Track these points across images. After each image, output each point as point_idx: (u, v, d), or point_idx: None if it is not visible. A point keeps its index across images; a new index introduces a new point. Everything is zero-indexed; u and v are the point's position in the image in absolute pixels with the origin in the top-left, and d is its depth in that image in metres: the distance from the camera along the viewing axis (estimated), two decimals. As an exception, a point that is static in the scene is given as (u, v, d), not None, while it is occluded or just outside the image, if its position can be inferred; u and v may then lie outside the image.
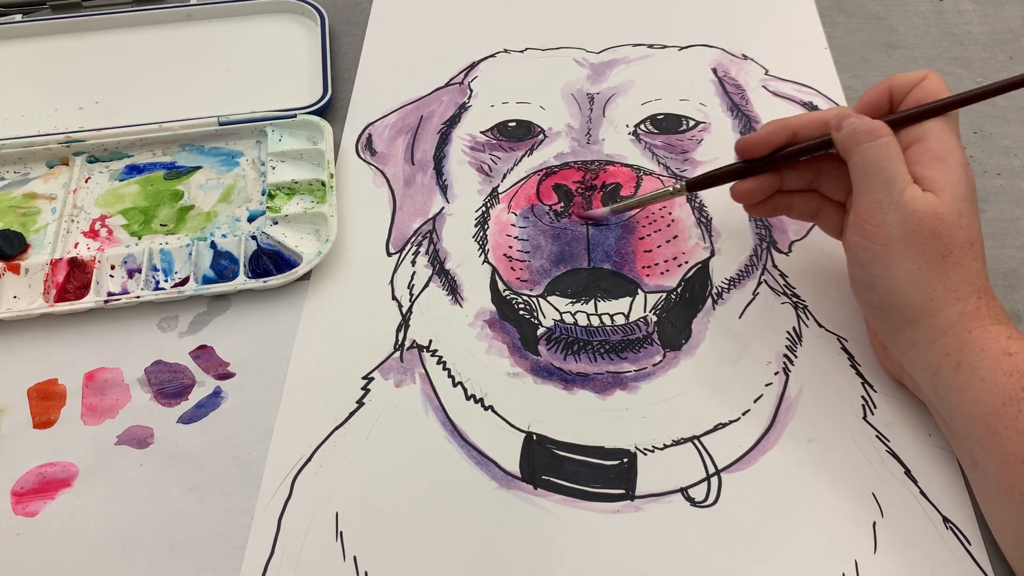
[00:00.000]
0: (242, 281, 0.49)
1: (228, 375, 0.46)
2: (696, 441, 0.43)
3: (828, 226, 0.45)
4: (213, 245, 0.51)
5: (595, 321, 0.47)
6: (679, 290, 0.48)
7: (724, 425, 0.43)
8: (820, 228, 0.46)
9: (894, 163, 0.39)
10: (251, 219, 0.53)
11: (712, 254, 0.50)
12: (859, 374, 0.45)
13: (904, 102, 0.41)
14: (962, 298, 0.38)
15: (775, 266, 0.49)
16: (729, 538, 0.40)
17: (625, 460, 0.42)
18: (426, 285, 0.49)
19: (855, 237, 0.40)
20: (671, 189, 0.47)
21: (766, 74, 0.59)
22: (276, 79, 0.60)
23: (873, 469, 0.41)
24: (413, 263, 0.51)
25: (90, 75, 0.62)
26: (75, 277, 0.50)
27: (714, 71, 0.59)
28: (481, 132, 0.56)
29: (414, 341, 0.47)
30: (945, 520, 0.40)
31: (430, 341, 0.47)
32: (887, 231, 0.38)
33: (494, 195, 0.53)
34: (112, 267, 0.50)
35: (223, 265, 0.51)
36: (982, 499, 0.39)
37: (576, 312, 0.47)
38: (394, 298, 0.49)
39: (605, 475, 0.42)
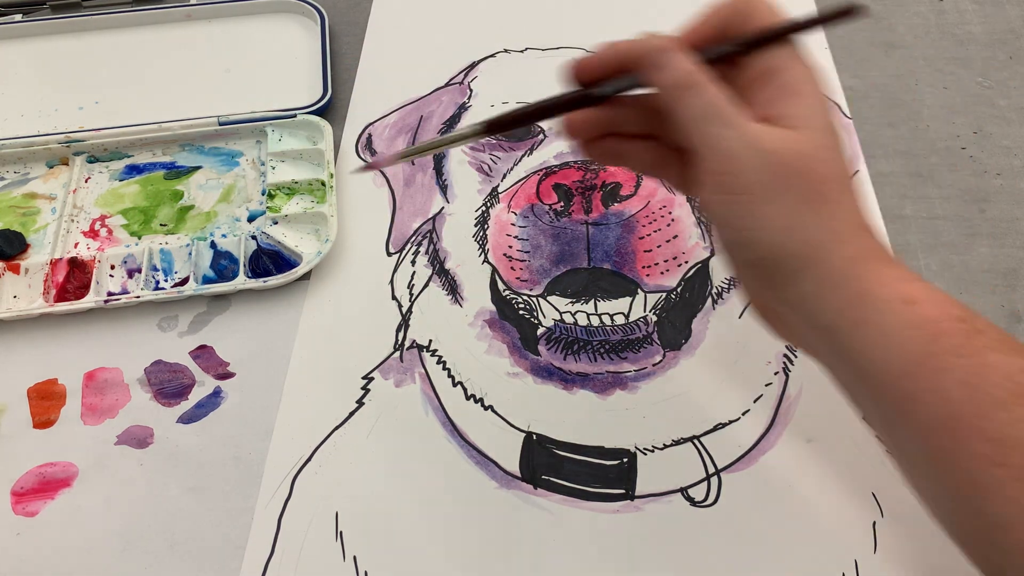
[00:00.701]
0: (242, 281, 0.49)
1: (228, 375, 0.46)
2: (696, 441, 0.43)
3: (674, 179, 0.39)
4: (213, 245, 0.51)
5: (595, 321, 0.47)
6: (679, 290, 0.48)
7: (724, 425, 0.43)
8: (665, 183, 0.41)
9: (723, 106, 0.33)
10: (251, 219, 0.53)
11: (712, 254, 0.49)
12: (859, 374, 0.45)
13: (730, 30, 0.35)
14: (845, 240, 0.33)
15: (775, 266, 0.49)
16: (729, 538, 0.40)
17: (625, 460, 0.42)
18: (426, 285, 0.49)
19: (713, 195, 0.34)
20: (470, 131, 0.37)
21: (766, 74, 0.59)
22: (276, 79, 0.60)
23: (873, 469, 0.41)
24: (413, 263, 0.51)
25: (90, 75, 0.62)
26: (75, 277, 0.50)
27: (714, 71, 0.59)
28: (481, 132, 0.56)
29: (414, 341, 0.47)
30: (945, 520, 0.40)
31: (430, 341, 0.47)
32: (745, 178, 0.33)
33: (494, 195, 0.53)
34: (112, 267, 0.50)
35: (223, 265, 0.51)
36: (904, 466, 0.34)
37: (576, 312, 0.47)
38: (394, 298, 0.49)
39: (605, 475, 0.42)
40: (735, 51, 0.35)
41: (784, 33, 0.34)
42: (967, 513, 0.31)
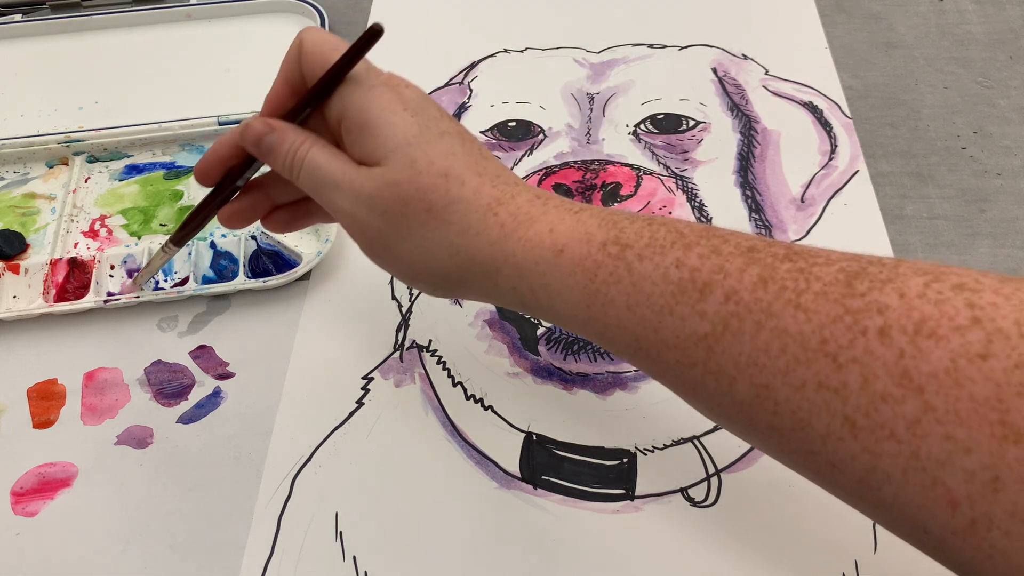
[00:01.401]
0: (242, 281, 0.49)
1: (228, 375, 0.46)
2: (696, 441, 0.43)
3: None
4: (213, 245, 0.51)
5: (595, 321, 0.47)
6: (679, 290, 0.48)
7: (724, 425, 0.43)
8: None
9: (325, 169, 0.33)
10: (251, 219, 0.53)
11: (712, 254, 0.49)
12: (859, 374, 0.45)
13: (305, 80, 0.35)
14: (476, 232, 0.32)
15: (775, 266, 0.49)
16: (729, 538, 0.40)
17: (625, 460, 0.42)
18: (426, 285, 0.49)
19: (361, 247, 0.36)
20: (163, 250, 0.41)
21: (766, 74, 0.59)
22: (276, 79, 0.60)
23: (873, 469, 0.41)
24: (413, 263, 0.51)
25: (90, 75, 0.62)
26: (75, 277, 0.50)
27: (714, 71, 0.59)
28: (481, 132, 0.56)
29: (414, 341, 0.47)
30: (945, 520, 0.40)
31: (430, 341, 0.47)
32: (370, 228, 0.33)
33: (494, 195, 0.53)
34: (112, 267, 0.50)
35: (223, 265, 0.51)
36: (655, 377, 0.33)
37: (576, 312, 0.47)
38: (394, 298, 0.49)
39: (605, 475, 0.42)
40: (308, 107, 0.35)
41: (335, 74, 0.33)
42: (704, 411, 0.31)
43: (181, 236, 0.40)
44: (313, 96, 0.34)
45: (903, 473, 0.24)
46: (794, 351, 0.26)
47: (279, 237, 0.50)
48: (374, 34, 0.33)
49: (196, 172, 0.37)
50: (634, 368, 0.45)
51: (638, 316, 0.29)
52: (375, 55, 0.34)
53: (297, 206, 0.39)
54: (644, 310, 0.29)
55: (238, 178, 0.37)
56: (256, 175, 0.38)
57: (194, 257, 0.50)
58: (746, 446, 0.42)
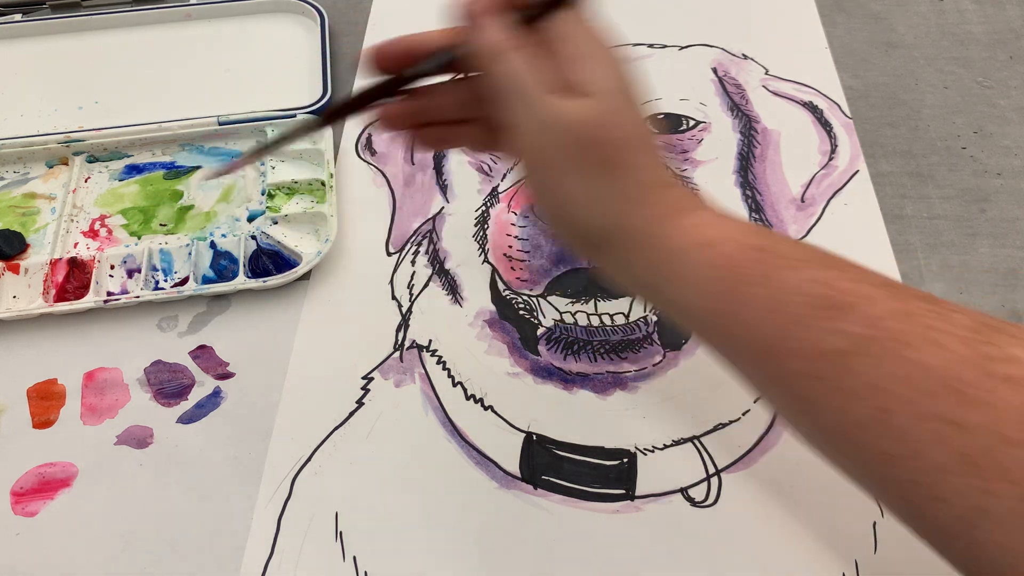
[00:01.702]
0: (242, 281, 0.49)
1: (228, 375, 0.46)
2: (696, 441, 0.43)
3: (510, 152, 0.38)
4: (213, 245, 0.51)
5: (595, 321, 0.47)
6: (679, 290, 0.48)
7: (724, 425, 0.43)
8: (505, 156, 0.40)
9: (524, 78, 0.32)
10: (251, 219, 0.53)
11: (712, 254, 0.49)
12: (859, 374, 0.45)
13: None
14: (641, 202, 0.32)
15: (775, 266, 0.49)
16: (729, 538, 0.40)
17: (625, 460, 0.42)
18: (426, 285, 0.49)
19: (523, 171, 0.34)
20: (307, 123, 0.38)
21: (766, 74, 0.59)
22: (276, 79, 0.60)
23: (873, 469, 0.41)
24: (413, 263, 0.51)
25: (90, 75, 0.62)
26: (75, 277, 0.50)
27: (714, 71, 0.59)
28: (481, 132, 0.56)
29: (414, 341, 0.47)
30: (945, 520, 0.40)
31: (430, 341, 0.47)
32: (546, 154, 0.32)
33: (494, 195, 0.53)
34: (112, 267, 0.50)
35: (223, 265, 0.51)
36: (769, 403, 0.34)
37: (576, 312, 0.47)
38: (394, 298, 0.49)
39: (605, 475, 0.42)
40: (529, 15, 0.33)
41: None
42: (806, 428, 0.32)
43: (331, 114, 0.38)
44: (536, 7, 0.33)
45: (1008, 514, 0.25)
46: (925, 383, 0.27)
47: (279, 237, 0.50)
48: None
49: (376, 53, 0.36)
50: (634, 368, 0.45)
51: (772, 321, 0.30)
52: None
53: (453, 126, 0.38)
54: (780, 316, 0.30)
55: (413, 77, 0.36)
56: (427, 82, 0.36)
57: (194, 257, 0.50)
58: (746, 446, 0.42)
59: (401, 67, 0.36)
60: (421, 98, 0.37)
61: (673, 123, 0.56)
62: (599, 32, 0.34)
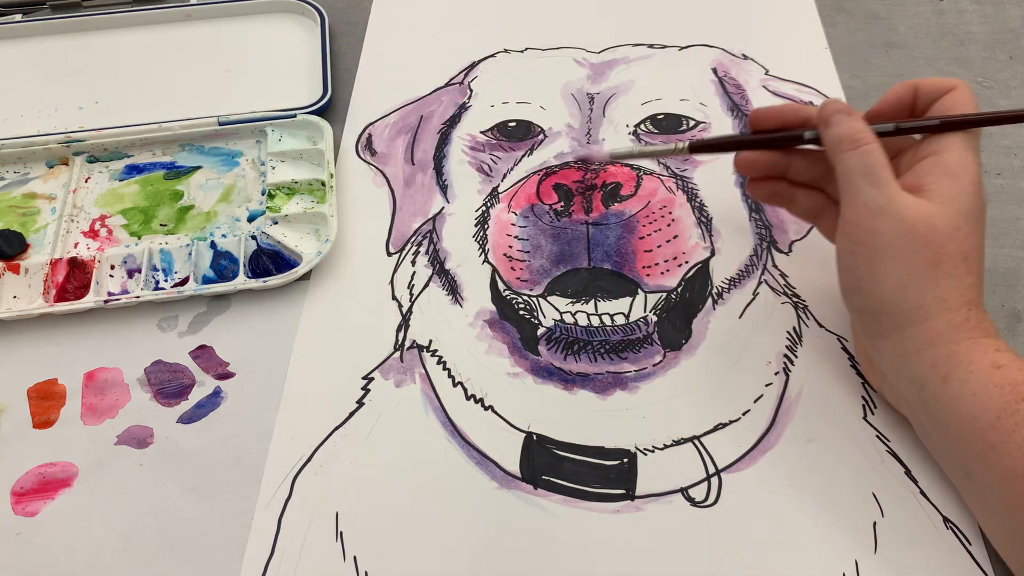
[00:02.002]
0: (242, 281, 0.49)
1: (228, 375, 0.46)
2: (696, 441, 0.43)
3: (827, 229, 0.44)
4: (213, 245, 0.51)
5: (595, 321, 0.47)
6: (679, 290, 0.48)
7: (724, 425, 0.43)
8: (819, 231, 0.45)
9: (878, 169, 0.38)
10: (251, 219, 0.53)
11: (712, 254, 0.50)
12: (859, 374, 0.45)
13: (930, 109, 0.40)
14: (951, 309, 0.37)
15: (775, 266, 0.49)
16: (729, 538, 0.40)
17: (625, 460, 0.42)
18: (426, 285, 0.49)
19: (844, 241, 0.39)
20: (674, 147, 0.44)
21: (766, 74, 0.59)
22: (276, 79, 0.60)
23: (873, 469, 0.41)
24: (413, 263, 0.51)
25: (90, 75, 0.62)
26: (75, 277, 0.50)
27: (714, 71, 0.59)
28: (481, 132, 0.56)
29: (414, 341, 0.47)
30: (945, 520, 0.40)
31: (430, 341, 0.47)
32: (876, 236, 0.37)
33: (494, 195, 0.53)
34: (112, 267, 0.50)
35: (223, 265, 0.51)
36: (980, 512, 0.38)
37: (576, 312, 0.47)
38: (394, 298, 0.49)
39: (605, 475, 0.42)
40: (925, 128, 0.40)
41: (978, 124, 0.39)
42: None
43: (698, 147, 0.44)
44: (945, 125, 0.39)
45: None
46: None
47: (279, 237, 0.50)
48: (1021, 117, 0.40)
49: (754, 112, 0.43)
50: (634, 368, 0.45)
51: None
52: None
53: (791, 187, 0.44)
54: None
55: (778, 141, 0.43)
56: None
57: (194, 257, 0.50)
58: (746, 446, 0.43)
59: (773, 128, 0.43)
60: (777, 155, 0.44)
61: (673, 123, 0.56)
62: (975, 162, 0.39)
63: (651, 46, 0.61)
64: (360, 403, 0.45)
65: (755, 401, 0.44)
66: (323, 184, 0.53)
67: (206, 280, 0.50)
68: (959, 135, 0.39)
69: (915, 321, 0.37)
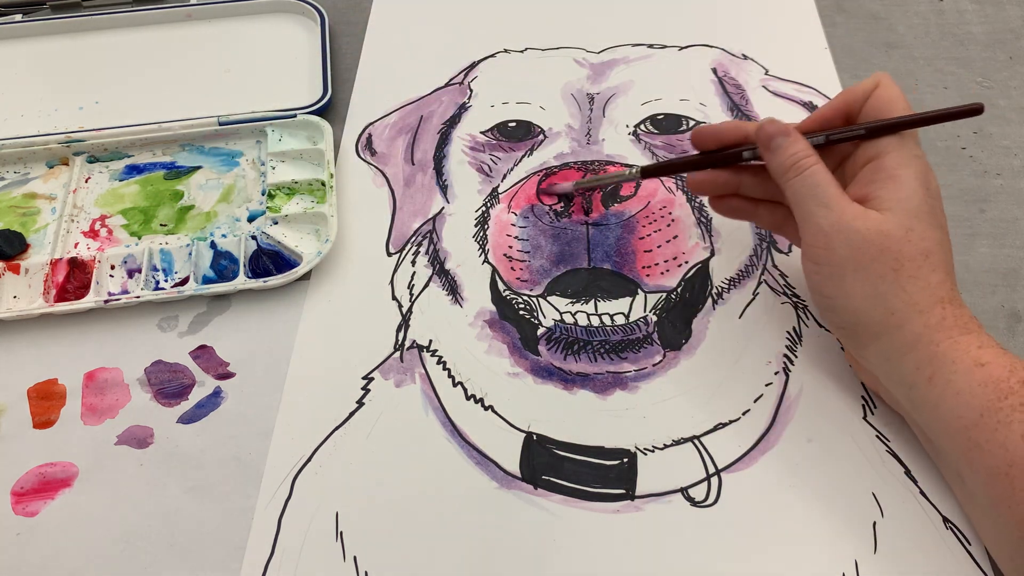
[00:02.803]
0: (242, 281, 0.49)
1: (228, 375, 0.46)
2: (696, 441, 0.43)
3: (793, 239, 0.45)
4: (213, 245, 0.51)
5: (595, 321, 0.47)
6: (679, 290, 0.48)
7: (724, 425, 0.43)
8: (788, 240, 0.45)
9: (823, 187, 0.38)
10: (251, 219, 0.53)
11: (712, 254, 0.50)
12: (859, 374, 0.45)
13: (861, 113, 0.41)
14: (924, 310, 0.37)
15: (775, 266, 0.49)
16: (729, 538, 0.40)
17: (625, 460, 0.42)
18: (426, 285, 0.49)
19: (807, 263, 0.40)
20: (626, 173, 0.47)
21: (766, 74, 0.59)
22: (276, 79, 0.60)
23: (873, 469, 0.41)
24: (413, 263, 0.51)
25: (90, 75, 0.62)
26: (75, 277, 0.50)
27: (714, 71, 0.59)
28: (481, 132, 0.56)
29: (414, 341, 0.47)
30: (945, 520, 0.40)
31: (430, 341, 0.47)
32: (833, 254, 0.38)
33: (494, 195, 0.53)
34: (112, 267, 0.50)
35: (223, 265, 0.51)
36: (970, 511, 0.39)
37: (576, 312, 0.47)
38: (394, 298, 0.49)
39: (605, 475, 0.42)
40: (854, 136, 0.40)
41: (904, 126, 0.39)
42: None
43: (651, 172, 0.46)
44: (873, 130, 0.39)
45: None
46: None
47: (279, 237, 0.50)
48: (973, 111, 0.40)
49: (694, 133, 0.44)
50: (634, 368, 0.45)
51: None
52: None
53: (751, 203, 0.45)
54: None
55: (720, 160, 0.43)
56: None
57: (194, 257, 0.50)
58: (746, 446, 0.43)
59: (714, 147, 0.43)
60: (727, 173, 0.44)
61: (673, 123, 0.56)
62: (914, 158, 0.39)
63: (651, 46, 0.61)
64: (360, 403, 0.45)
65: (755, 401, 0.44)
66: (323, 184, 0.53)
67: (206, 280, 0.50)
68: (893, 137, 0.39)
69: (891, 328, 0.38)
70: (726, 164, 0.44)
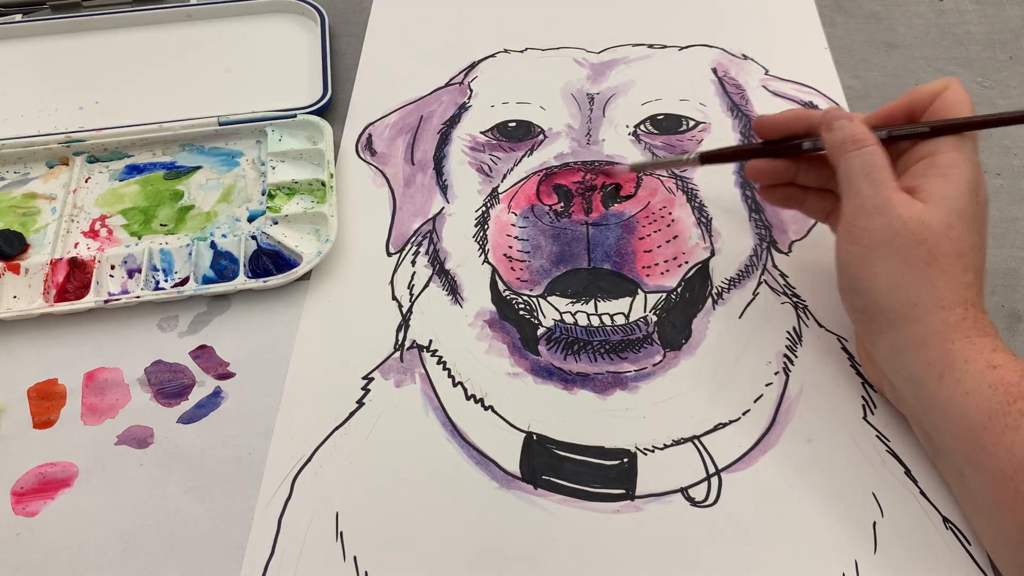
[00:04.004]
0: (242, 281, 0.49)
1: (228, 375, 0.46)
2: (696, 441, 0.43)
3: (836, 226, 0.44)
4: (213, 245, 0.51)
5: (595, 321, 0.47)
6: (679, 290, 0.48)
7: (724, 425, 0.43)
8: (831, 230, 0.45)
9: (877, 170, 0.39)
10: (251, 219, 0.53)
11: (712, 254, 0.50)
12: (859, 374, 0.45)
13: (926, 114, 0.41)
14: (947, 307, 0.37)
15: (775, 266, 0.49)
16: (729, 538, 0.40)
17: (625, 460, 0.42)
18: (426, 285, 0.49)
19: (842, 240, 0.40)
20: (685, 158, 0.48)
21: (766, 74, 0.59)
22: (276, 79, 0.60)
23: (873, 469, 0.41)
24: (413, 263, 0.51)
25: (90, 75, 0.62)
26: (75, 277, 0.50)
27: (714, 71, 0.59)
28: (481, 132, 0.56)
29: (414, 341, 0.47)
30: (945, 520, 0.40)
31: (430, 341, 0.47)
32: (870, 234, 0.38)
33: (494, 195, 0.53)
34: (112, 267, 0.50)
35: (223, 265, 0.51)
36: (970, 512, 0.39)
37: (576, 312, 0.47)
38: (394, 298, 0.49)
39: (605, 475, 0.42)
40: (917, 134, 0.40)
41: (969, 127, 0.39)
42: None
43: (710, 158, 0.47)
44: (937, 129, 0.40)
45: None
46: None
47: (279, 237, 0.50)
48: None
49: (756, 122, 0.45)
50: (634, 368, 0.45)
51: None
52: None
53: (801, 191, 0.46)
54: None
55: (781, 150, 0.44)
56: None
57: (194, 257, 0.50)
58: (746, 446, 0.43)
59: (776, 137, 0.44)
60: (786, 162, 0.45)
61: (673, 123, 0.56)
62: (969, 162, 0.39)
63: (651, 46, 0.61)
64: (360, 403, 0.45)
65: (755, 401, 0.44)
66: (323, 184, 0.53)
67: (206, 280, 0.50)
68: (951, 136, 0.39)
69: (910, 319, 0.38)
70: (785, 154, 0.44)
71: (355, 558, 0.40)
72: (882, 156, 0.39)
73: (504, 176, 0.53)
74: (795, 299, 0.48)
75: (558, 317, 0.47)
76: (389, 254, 0.51)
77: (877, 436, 0.42)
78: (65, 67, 0.62)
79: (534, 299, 0.48)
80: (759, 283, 0.49)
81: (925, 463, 0.41)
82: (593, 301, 0.47)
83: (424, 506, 0.41)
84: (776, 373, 0.45)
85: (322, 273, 0.50)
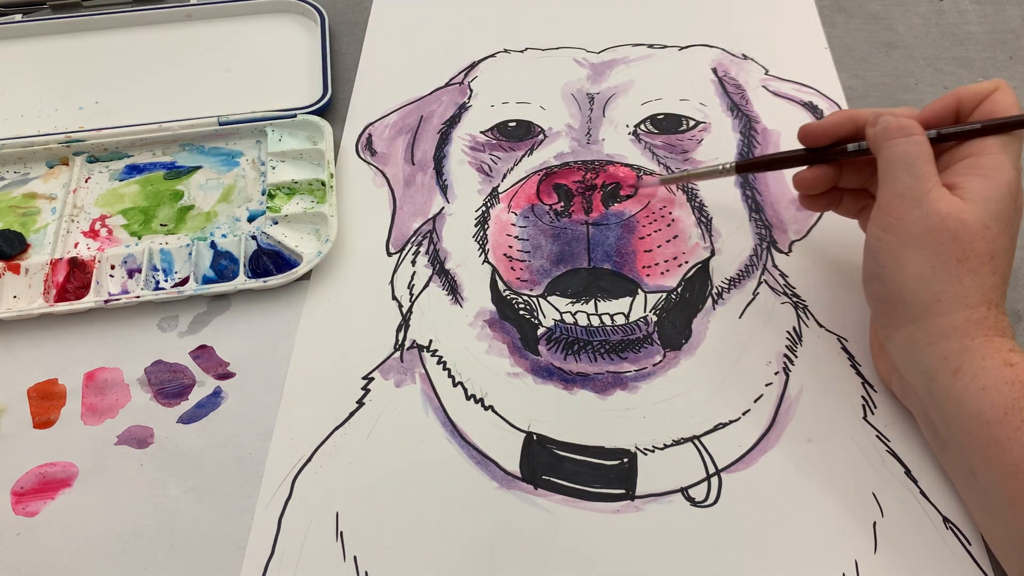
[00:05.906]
0: (242, 281, 0.49)
1: (228, 375, 0.46)
2: (696, 441, 0.43)
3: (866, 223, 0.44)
4: (213, 245, 0.51)
5: (595, 321, 0.47)
6: (679, 290, 0.48)
7: (724, 425, 0.43)
8: (860, 227, 0.45)
9: (921, 161, 0.38)
10: (251, 219, 0.53)
11: (712, 254, 0.50)
12: (859, 374, 0.45)
13: (973, 114, 0.40)
14: (970, 305, 0.37)
15: (775, 266, 0.49)
16: (729, 538, 0.40)
17: (625, 460, 0.42)
18: (426, 285, 0.49)
19: (874, 228, 0.40)
20: (720, 168, 0.47)
21: (766, 74, 0.59)
22: (276, 79, 0.60)
23: (873, 469, 0.41)
24: (413, 263, 0.51)
25: (90, 75, 0.62)
26: (75, 277, 0.50)
27: (714, 71, 0.59)
28: (481, 132, 0.56)
29: (414, 341, 0.47)
30: (945, 520, 0.40)
31: (430, 341, 0.47)
32: (906, 225, 0.38)
33: (494, 195, 0.53)
34: (112, 267, 0.50)
35: (223, 265, 0.51)
36: (978, 510, 0.38)
37: (576, 312, 0.47)
38: (394, 298, 0.49)
39: (605, 475, 0.42)
40: (967, 132, 0.40)
41: (1012, 128, 0.39)
42: None
43: (745, 166, 0.47)
44: (987, 128, 0.39)
45: None
46: None
47: (279, 237, 0.50)
48: None
49: (803, 130, 0.44)
50: (634, 368, 0.45)
51: None
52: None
53: (839, 192, 0.45)
54: None
55: (823, 157, 0.44)
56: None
57: (194, 257, 0.50)
58: (746, 446, 0.43)
59: (824, 144, 0.44)
60: (833, 168, 0.44)
61: (673, 123, 0.56)
62: (1012, 167, 0.39)
63: (651, 46, 0.61)
64: (360, 403, 0.45)
65: (755, 401, 0.44)
66: (323, 184, 0.53)
67: (206, 280, 0.50)
68: (997, 138, 0.39)
69: (932, 314, 0.38)
70: (826, 160, 0.44)
71: (355, 558, 0.40)
72: (927, 147, 0.39)
73: (504, 176, 0.53)
74: (795, 299, 0.48)
75: (558, 317, 0.47)
76: (389, 254, 0.51)
77: (877, 436, 0.42)
78: (65, 67, 0.62)
79: (534, 299, 0.48)
80: (759, 283, 0.49)
81: (925, 463, 0.41)
82: (593, 301, 0.47)
83: (424, 506, 0.41)
84: (776, 373, 0.45)
85: (322, 273, 0.50)
